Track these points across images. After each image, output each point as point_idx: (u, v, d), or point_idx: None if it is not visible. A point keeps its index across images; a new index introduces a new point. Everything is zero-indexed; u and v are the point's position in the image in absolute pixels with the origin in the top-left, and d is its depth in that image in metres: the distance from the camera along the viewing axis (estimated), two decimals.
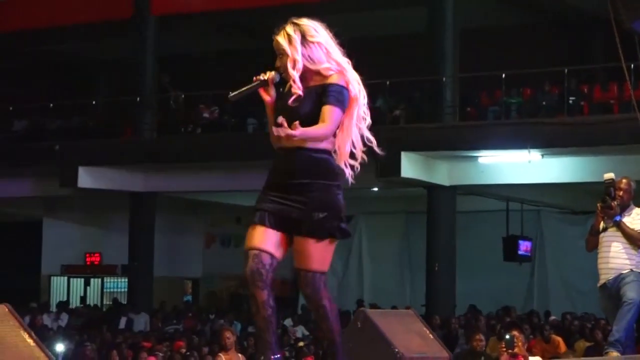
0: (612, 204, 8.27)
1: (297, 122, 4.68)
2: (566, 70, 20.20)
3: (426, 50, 21.32)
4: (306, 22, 4.93)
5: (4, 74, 28.33)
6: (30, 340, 4.79)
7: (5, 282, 26.59)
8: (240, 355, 10.96)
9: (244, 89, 4.93)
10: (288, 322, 20.65)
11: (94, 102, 25.07)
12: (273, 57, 4.94)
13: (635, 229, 8.25)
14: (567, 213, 24.58)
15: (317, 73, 4.89)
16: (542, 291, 24.44)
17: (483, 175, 20.37)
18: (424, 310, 20.02)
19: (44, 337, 16.15)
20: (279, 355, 4.89)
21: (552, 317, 19.68)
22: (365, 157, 5.02)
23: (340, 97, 4.85)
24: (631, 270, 8.19)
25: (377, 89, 21.57)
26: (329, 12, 21.36)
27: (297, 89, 4.86)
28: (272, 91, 4.98)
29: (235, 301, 26.24)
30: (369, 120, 5.04)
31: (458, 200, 21.11)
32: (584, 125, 18.82)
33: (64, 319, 23.25)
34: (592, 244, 8.47)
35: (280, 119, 4.69)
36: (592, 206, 8.64)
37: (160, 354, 15.77)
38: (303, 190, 4.81)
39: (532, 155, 19.14)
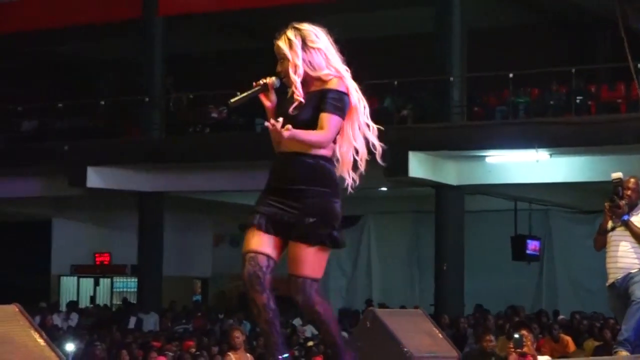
0: (620, 203, 8.28)
1: (288, 125, 4.66)
2: (573, 70, 20.19)
3: (434, 50, 21.34)
4: (307, 27, 4.90)
5: (13, 74, 28.42)
6: (40, 340, 4.80)
7: (15, 282, 26.70)
8: (249, 355, 11.00)
9: (244, 94, 4.92)
10: (297, 321, 20.68)
11: (102, 103, 25.11)
12: (275, 59, 4.94)
13: None
14: (575, 212, 24.58)
15: (318, 79, 4.86)
16: (550, 290, 24.44)
17: (491, 175, 20.39)
18: (432, 309, 20.05)
19: (54, 337, 16.22)
20: (286, 355, 4.89)
21: (561, 317, 19.67)
22: (363, 166, 4.98)
23: (339, 103, 4.81)
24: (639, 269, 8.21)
25: (384, 89, 21.62)
26: (336, 13, 21.46)
27: (299, 94, 4.84)
28: (273, 96, 4.96)
29: (244, 301, 26.24)
30: (374, 127, 5.01)
31: (466, 200, 21.14)
32: (592, 124, 18.84)
33: (74, 318, 23.31)
34: (601, 243, 8.47)
35: (273, 122, 4.68)
36: (600, 205, 8.62)
37: (170, 354, 15.79)
38: (299, 196, 4.79)
39: (540, 155, 19.16)
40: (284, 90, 4.91)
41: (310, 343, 16.74)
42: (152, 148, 22.52)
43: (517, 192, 22.24)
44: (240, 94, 4.94)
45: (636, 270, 8.19)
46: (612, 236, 8.34)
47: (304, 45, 4.84)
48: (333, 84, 4.83)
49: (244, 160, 20.71)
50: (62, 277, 29.07)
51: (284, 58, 4.86)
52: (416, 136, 19.73)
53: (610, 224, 8.38)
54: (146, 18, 23.87)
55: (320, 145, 4.79)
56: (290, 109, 4.82)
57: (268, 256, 4.82)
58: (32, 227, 29.18)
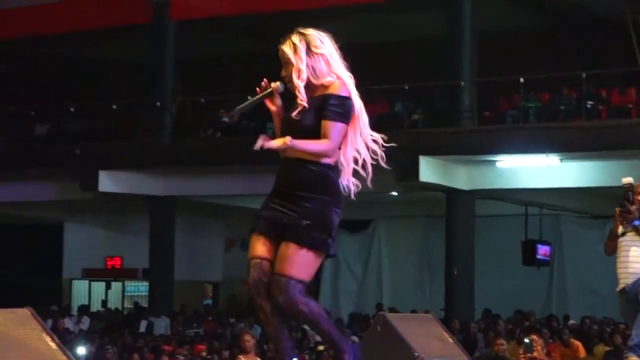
0: (631, 208, 8.28)
1: (288, 137, 4.71)
2: (584, 75, 20.19)
3: (444, 54, 21.38)
4: (312, 32, 4.89)
5: (25, 78, 28.57)
6: (52, 344, 4.84)
7: (28, 285, 26.81)
8: (259, 358, 11.07)
9: (249, 101, 4.96)
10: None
11: (114, 107, 25.18)
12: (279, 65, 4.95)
13: None
14: (586, 217, 24.58)
15: (321, 85, 4.87)
16: (560, 295, 24.42)
17: (502, 180, 20.40)
18: (443, 314, 20.07)
19: (65, 341, 16.32)
20: (295, 359, 4.92)
21: (571, 322, 19.65)
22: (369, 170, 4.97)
23: (341, 109, 4.80)
24: None
25: (395, 93, 21.68)
26: (346, 18, 21.52)
27: (302, 99, 4.84)
28: (278, 101, 4.97)
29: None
30: (375, 136, 5.00)
31: (477, 205, 21.15)
32: (602, 129, 18.85)
33: (86, 322, 23.38)
34: (611, 248, 8.46)
35: (261, 141, 4.74)
36: (611, 210, 8.61)
37: (181, 357, 15.81)
38: (299, 202, 4.80)
39: (551, 160, 19.18)
40: (289, 95, 4.92)
41: (321, 347, 16.72)
42: (163, 152, 22.58)
43: (528, 196, 22.24)
44: (251, 98, 4.98)
45: None
46: (623, 241, 8.33)
47: (309, 50, 4.85)
48: (334, 89, 4.83)
49: (255, 164, 20.74)
50: (73, 281, 29.15)
51: (288, 63, 4.87)
52: (427, 141, 19.75)
53: (620, 229, 8.38)
54: (158, 22, 23.96)
55: (325, 155, 4.80)
56: (294, 114, 4.84)
57: (272, 262, 4.83)
58: (44, 231, 29.28)
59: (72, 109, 24.92)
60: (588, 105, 20.23)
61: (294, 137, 4.78)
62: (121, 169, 22.75)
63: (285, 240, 4.79)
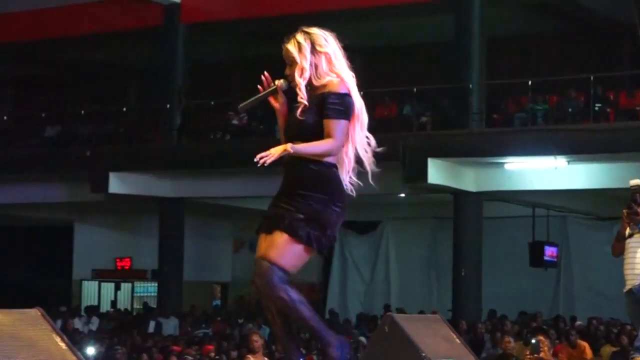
0: (638, 210, 8.34)
1: (288, 145, 4.72)
2: (592, 77, 20.23)
3: (453, 57, 21.42)
4: (317, 31, 4.90)
5: (35, 81, 28.70)
6: (62, 344, 4.88)
7: (38, 286, 26.91)
8: (267, 359, 11.14)
9: (253, 98, 4.96)
10: None
11: (124, 109, 25.27)
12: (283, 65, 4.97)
13: None
14: (593, 219, 24.59)
15: (322, 83, 4.86)
16: (567, 296, 24.45)
17: (509, 182, 20.44)
18: (450, 315, 20.13)
19: (75, 341, 16.41)
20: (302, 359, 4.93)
21: (578, 322, 19.67)
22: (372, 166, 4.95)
23: (341, 107, 4.80)
24: None
25: (404, 96, 21.72)
26: (356, 21, 21.58)
27: (302, 97, 4.84)
28: (282, 98, 4.97)
29: None
30: (370, 138, 4.98)
31: (484, 206, 21.18)
32: (610, 131, 18.86)
33: (95, 322, 23.47)
34: (618, 249, 8.50)
35: (260, 155, 4.73)
36: (618, 212, 8.65)
37: (190, 358, 15.86)
38: (299, 200, 4.80)
39: (558, 162, 19.21)
40: (293, 94, 4.93)
41: None
42: (173, 154, 22.67)
43: (535, 198, 22.27)
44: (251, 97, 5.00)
45: None
46: (630, 243, 8.38)
47: (313, 49, 4.86)
48: (333, 86, 4.83)
49: (264, 166, 20.80)
50: (83, 282, 29.24)
51: (293, 61, 4.88)
52: (435, 143, 19.79)
53: (628, 231, 8.41)
54: (168, 25, 24.07)
55: (330, 154, 4.80)
56: (298, 113, 4.86)
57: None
58: (54, 232, 29.37)
59: (82, 112, 25.00)
60: (596, 108, 20.25)
61: (297, 135, 4.81)
62: (131, 171, 22.81)
63: (279, 230, 4.79)
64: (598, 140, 18.64)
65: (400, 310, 20.84)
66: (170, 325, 22.41)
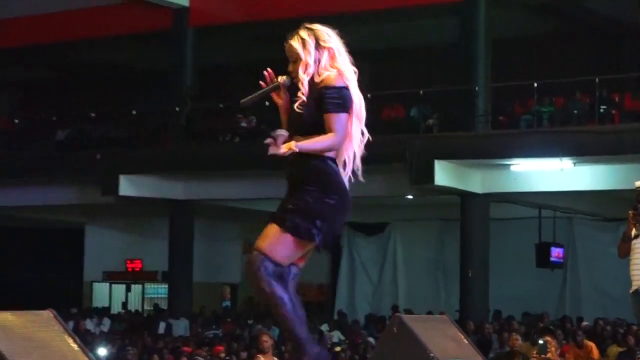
0: None
1: (292, 143, 4.70)
2: (597, 79, 20.32)
3: (459, 60, 21.52)
4: (320, 27, 4.88)
5: (46, 84, 28.85)
6: (74, 345, 4.97)
7: (49, 288, 27.05)
8: (276, 359, 11.29)
9: (255, 94, 4.96)
10: (324, 327, 20.92)
11: (134, 112, 25.40)
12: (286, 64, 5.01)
13: None
14: (599, 220, 24.63)
15: (321, 79, 4.81)
16: (574, 297, 24.49)
17: (516, 183, 20.53)
18: (457, 315, 20.25)
19: (86, 342, 16.55)
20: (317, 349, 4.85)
21: (585, 323, 19.73)
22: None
23: (339, 100, 4.74)
24: None
25: (410, 98, 21.81)
26: (363, 24, 21.70)
27: (303, 92, 4.79)
28: (285, 95, 4.92)
29: None
30: (365, 135, 4.94)
31: (491, 208, 21.27)
32: (615, 133, 18.92)
33: (106, 324, 23.59)
34: (624, 250, 8.50)
35: (269, 140, 4.70)
36: (624, 213, 8.62)
37: (200, 358, 15.96)
38: (296, 194, 4.78)
39: (564, 163, 19.28)
40: (295, 90, 4.92)
41: (338, 348, 16.91)
42: (183, 157, 22.77)
43: (542, 200, 22.34)
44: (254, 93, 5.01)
45: None
46: (636, 244, 8.38)
47: (317, 45, 4.82)
48: (330, 80, 4.77)
49: (273, 168, 20.85)
50: (94, 283, 29.37)
51: (297, 57, 4.84)
52: (442, 145, 19.88)
53: (634, 232, 8.41)
54: (177, 29, 24.21)
55: (334, 148, 4.76)
56: (295, 105, 4.82)
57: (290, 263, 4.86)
58: (65, 234, 29.50)
59: (92, 115, 25.15)
60: (601, 110, 20.31)
61: (299, 131, 4.80)
62: (141, 173, 22.90)
63: (270, 221, 4.80)
64: (603, 141, 18.71)
65: (408, 311, 20.94)
66: (181, 327, 22.52)
